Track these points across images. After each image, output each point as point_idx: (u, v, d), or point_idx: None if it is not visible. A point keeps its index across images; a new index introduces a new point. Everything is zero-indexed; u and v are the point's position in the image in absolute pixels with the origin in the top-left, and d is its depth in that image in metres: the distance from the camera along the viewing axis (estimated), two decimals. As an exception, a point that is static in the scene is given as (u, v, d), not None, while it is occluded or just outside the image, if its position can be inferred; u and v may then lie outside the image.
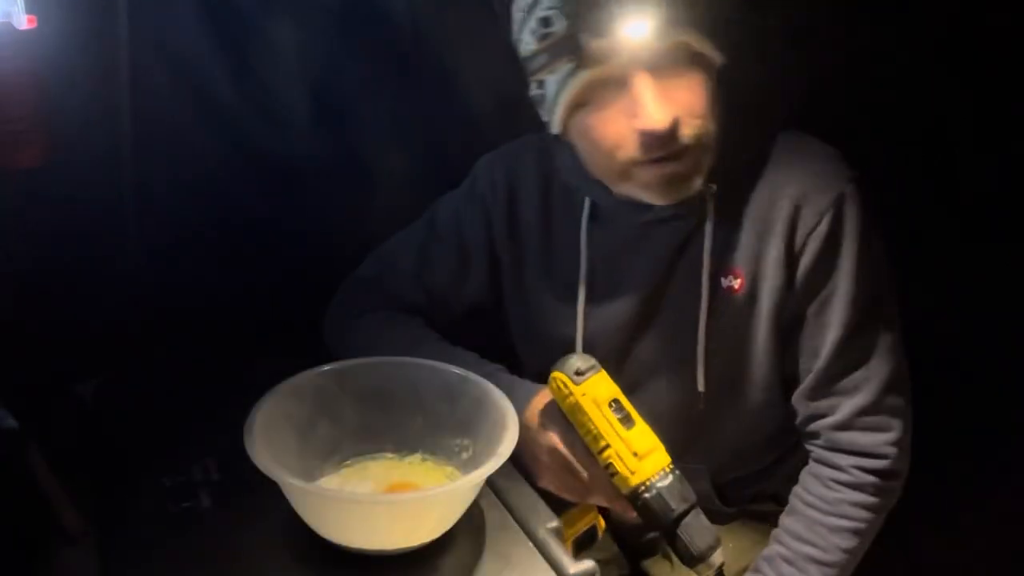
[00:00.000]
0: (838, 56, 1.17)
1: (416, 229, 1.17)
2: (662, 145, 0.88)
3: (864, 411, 0.98)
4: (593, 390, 0.87)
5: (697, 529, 0.85)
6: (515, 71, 1.07)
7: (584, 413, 0.87)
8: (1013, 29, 1.01)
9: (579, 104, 0.91)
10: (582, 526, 0.98)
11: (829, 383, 0.99)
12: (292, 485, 0.75)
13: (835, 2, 1.19)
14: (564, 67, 0.89)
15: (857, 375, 0.98)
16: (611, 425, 0.86)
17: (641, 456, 0.85)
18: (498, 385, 0.90)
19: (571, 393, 0.87)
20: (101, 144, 1.14)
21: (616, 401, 0.87)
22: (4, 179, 0.85)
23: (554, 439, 0.92)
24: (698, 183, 0.94)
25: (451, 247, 1.14)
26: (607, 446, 0.86)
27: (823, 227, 0.94)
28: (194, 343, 1.19)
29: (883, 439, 0.98)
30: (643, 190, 0.95)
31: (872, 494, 0.98)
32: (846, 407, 0.98)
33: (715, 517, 1.13)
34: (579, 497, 0.94)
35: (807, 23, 1.18)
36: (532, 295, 1.12)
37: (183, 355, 1.15)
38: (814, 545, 0.99)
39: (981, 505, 1.16)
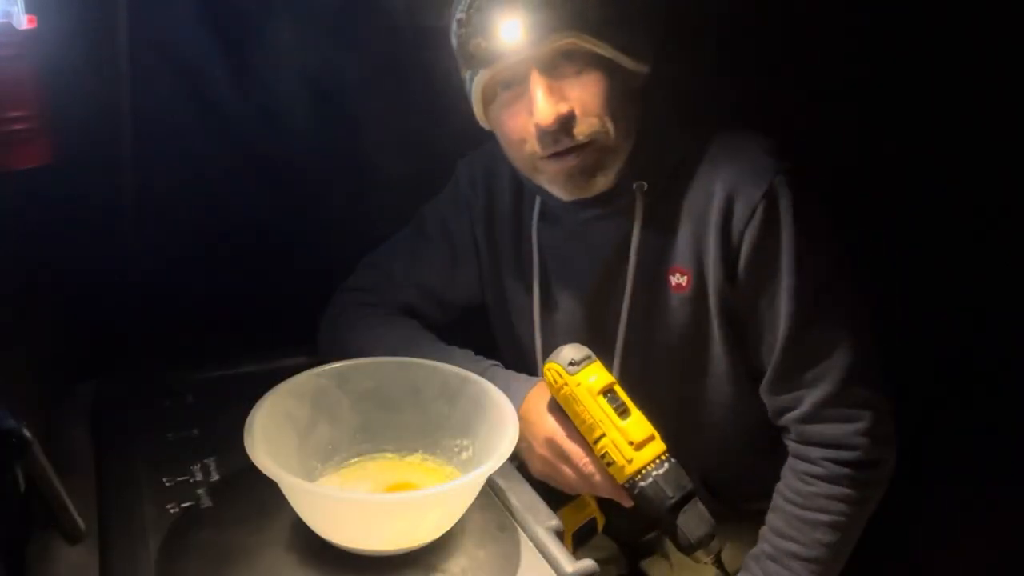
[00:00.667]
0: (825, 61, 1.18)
1: (405, 234, 1.20)
2: (554, 140, 0.93)
3: (828, 402, 0.98)
4: (587, 380, 0.87)
5: (694, 516, 0.86)
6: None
7: (579, 403, 0.87)
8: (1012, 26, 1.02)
9: (491, 100, 0.98)
10: (581, 519, 0.98)
11: (789, 376, 0.99)
12: (292, 485, 0.75)
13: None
14: (471, 66, 0.95)
15: (818, 367, 0.97)
16: (606, 415, 0.87)
17: (636, 445, 0.86)
18: (495, 380, 0.91)
19: (565, 383, 0.88)
20: (101, 144, 1.14)
21: (611, 391, 0.88)
22: (4, 179, 0.85)
23: (550, 430, 0.92)
24: (600, 182, 0.98)
25: (440, 247, 1.16)
26: (602, 435, 0.87)
27: (756, 220, 0.95)
28: (194, 343, 1.19)
29: (851, 429, 0.98)
30: (550, 184, 1.00)
31: (847, 486, 0.98)
32: (809, 399, 0.98)
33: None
34: (576, 488, 0.94)
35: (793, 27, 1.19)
36: (507, 292, 1.15)
37: (183, 355, 1.15)
38: (795, 541, 1.00)
39: (981, 507, 1.16)
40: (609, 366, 1.04)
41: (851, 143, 1.20)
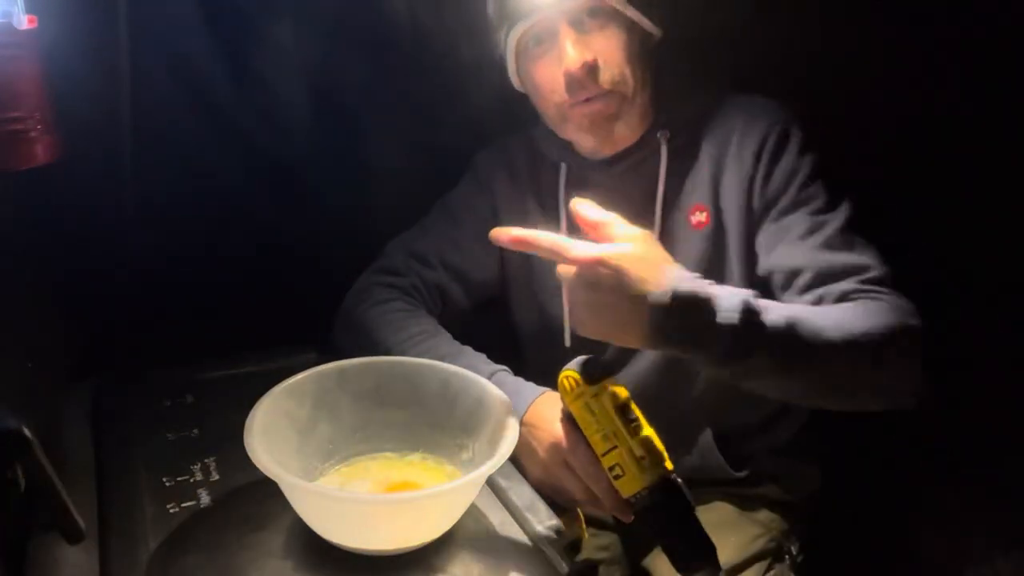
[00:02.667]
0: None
1: (430, 219, 1.23)
2: (581, 86, 1.02)
3: (876, 279, 0.98)
4: (604, 392, 0.86)
5: (694, 538, 0.85)
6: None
7: (593, 414, 0.87)
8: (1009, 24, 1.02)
9: (522, 56, 1.08)
10: (568, 536, 0.98)
11: (830, 266, 0.98)
12: (292, 485, 0.75)
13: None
14: (509, 21, 1.05)
15: (847, 256, 0.99)
16: (619, 428, 0.86)
17: (645, 462, 0.85)
18: (502, 385, 0.92)
19: (583, 392, 0.87)
20: (101, 144, 1.14)
21: (626, 406, 0.87)
22: (4, 179, 0.85)
23: (557, 437, 0.92)
24: (621, 128, 1.08)
25: (465, 227, 1.20)
26: (613, 448, 0.86)
27: (770, 143, 1.05)
28: (194, 343, 1.19)
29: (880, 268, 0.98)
30: (576, 133, 1.09)
31: (882, 299, 0.95)
32: (854, 278, 0.97)
33: (723, 487, 1.16)
34: (575, 498, 0.94)
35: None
36: (534, 264, 1.19)
37: (183, 355, 1.15)
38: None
39: (982, 505, 1.16)
40: None
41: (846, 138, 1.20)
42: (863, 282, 0.96)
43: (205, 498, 0.86)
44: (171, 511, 0.84)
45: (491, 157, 1.24)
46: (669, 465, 0.86)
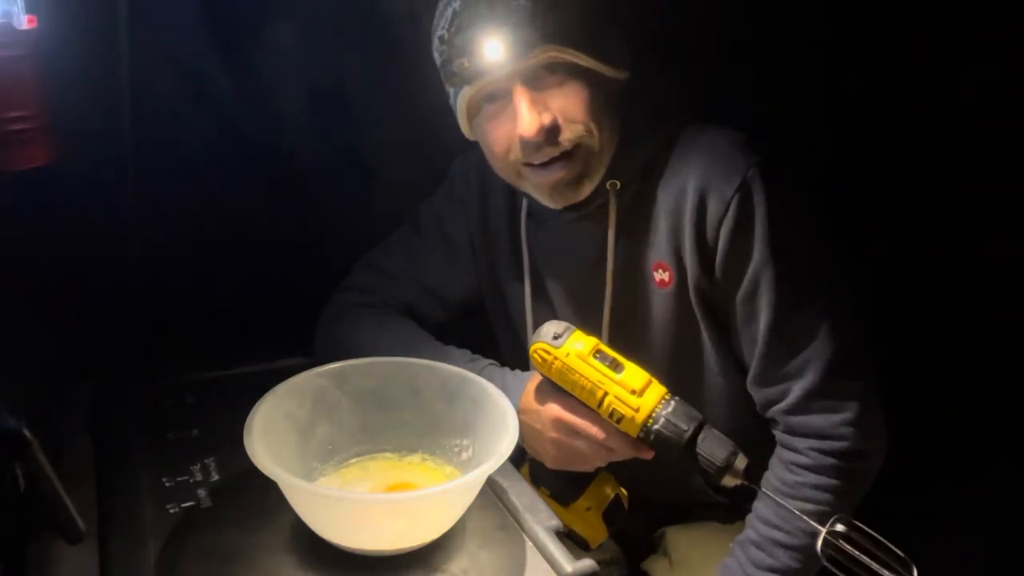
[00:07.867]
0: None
1: (401, 234, 1.21)
2: (539, 149, 0.95)
3: (813, 393, 0.98)
4: (574, 348, 0.88)
5: (713, 443, 0.86)
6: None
7: (573, 372, 0.88)
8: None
9: (475, 113, 1.00)
10: (606, 497, 0.99)
11: (773, 368, 0.99)
12: (292, 485, 0.75)
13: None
14: (455, 84, 0.98)
15: (800, 358, 0.98)
16: (602, 374, 0.87)
17: (638, 392, 0.86)
18: (491, 378, 0.92)
19: (555, 358, 0.89)
20: (101, 144, 1.14)
21: (599, 351, 0.89)
22: (4, 179, 0.85)
23: (555, 410, 0.93)
24: (587, 188, 1.00)
25: (437, 245, 1.17)
26: (604, 394, 0.87)
27: (731, 216, 0.96)
28: (194, 343, 1.18)
29: (837, 420, 0.98)
30: (535, 191, 1.01)
31: (833, 476, 0.99)
32: (795, 391, 0.99)
33: (713, 511, 1.15)
34: (594, 460, 0.95)
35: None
36: (503, 288, 1.16)
37: (183, 355, 1.15)
38: (780, 529, 1.00)
39: (977, 503, 1.16)
40: None
41: (831, 137, 1.20)
42: (821, 452, 0.99)
43: (205, 498, 0.86)
44: (171, 511, 0.84)
45: (469, 166, 1.18)
46: (662, 388, 0.88)
